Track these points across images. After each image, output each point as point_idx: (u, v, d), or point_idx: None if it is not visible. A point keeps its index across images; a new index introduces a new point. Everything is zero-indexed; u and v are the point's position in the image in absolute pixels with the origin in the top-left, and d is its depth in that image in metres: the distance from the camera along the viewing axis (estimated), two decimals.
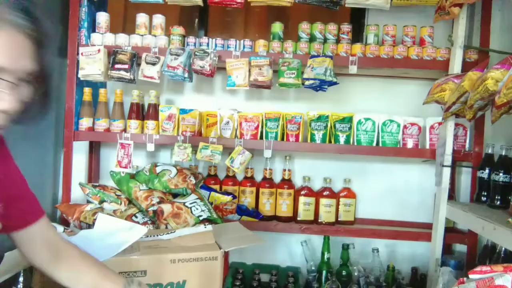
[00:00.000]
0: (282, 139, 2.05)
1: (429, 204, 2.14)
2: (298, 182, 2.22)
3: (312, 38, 2.02)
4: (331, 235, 2.04)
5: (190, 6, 1.99)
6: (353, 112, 2.04)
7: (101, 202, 1.96)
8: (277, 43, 2.00)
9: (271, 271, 2.00)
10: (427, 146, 2.03)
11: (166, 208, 1.77)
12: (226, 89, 2.09)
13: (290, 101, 2.28)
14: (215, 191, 2.05)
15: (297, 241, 2.19)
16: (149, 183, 1.96)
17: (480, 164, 1.74)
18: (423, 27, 2.00)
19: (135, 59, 1.97)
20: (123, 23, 2.46)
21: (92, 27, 2.07)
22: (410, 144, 2.02)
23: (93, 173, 2.25)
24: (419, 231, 2.04)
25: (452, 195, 2.05)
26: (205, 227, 1.44)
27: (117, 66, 1.94)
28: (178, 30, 2.02)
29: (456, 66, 1.84)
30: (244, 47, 2.02)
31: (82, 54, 1.96)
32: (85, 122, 2.04)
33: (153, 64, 1.95)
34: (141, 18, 2.05)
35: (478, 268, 1.01)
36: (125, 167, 2.01)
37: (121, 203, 1.96)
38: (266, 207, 2.11)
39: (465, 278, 1.04)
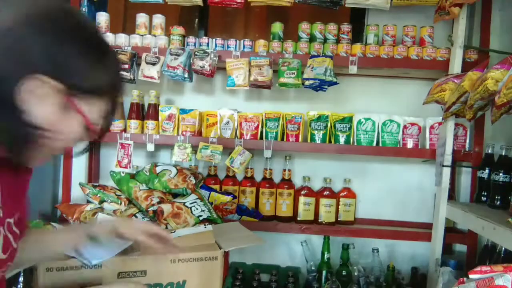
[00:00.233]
0: (282, 139, 2.05)
1: (429, 204, 2.14)
2: (298, 182, 2.22)
3: (312, 38, 2.02)
4: (331, 235, 2.04)
5: (190, 6, 1.99)
6: (353, 112, 2.04)
7: (101, 202, 1.96)
8: (277, 43, 2.00)
9: (271, 271, 2.00)
10: (427, 146, 2.03)
11: (166, 208, 1.77)
12: (226, 89, 2.09)
13: (290, 101, 2.28)
14: (215, 191, 2.05)
15: (297, 241, 2.19)
16: (149, 183, 1.96)
17: (480, 164, 1.74)
18: (423, 27, 2.00)
19: (135, 59, 1.97)
20: (123, 23, 2.46)
21: None
22: (410, 144, 2.02)
23: (93, 173, 2.25)
24: (419, 231, 2.04)
25: (452, 195, 2.05)
26: (205, 227, 1.44)
27: None
28: (178, 30, 2.02)
29: (456, 66, 1.84)
30: (244, 47, 2.02)
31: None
32: None
33: (153, 64, 1.95)
34: (141, 18, 2.05)
35: (478, 268, 1.01)
36: (125, 167, 2.01)
37: (121, 203, 1.96)
38: (266, 207, 2.11)
39: (465, 278, 1.04)
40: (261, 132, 2.05)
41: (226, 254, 1.40)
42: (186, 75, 1.94)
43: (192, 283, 1.29)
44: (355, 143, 2.03)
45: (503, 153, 1.59)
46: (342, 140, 2.01)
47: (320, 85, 1.90)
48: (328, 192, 2.12)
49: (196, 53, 1.94)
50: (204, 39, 2.03)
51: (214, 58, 1.95)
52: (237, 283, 1.90)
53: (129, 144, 2.00)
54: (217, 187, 2.13)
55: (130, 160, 2.01)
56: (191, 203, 1.83)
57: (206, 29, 2.38)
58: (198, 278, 1.30)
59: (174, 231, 1.44)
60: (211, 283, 1.32)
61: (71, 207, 1.95)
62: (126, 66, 1.94)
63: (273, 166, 2.20)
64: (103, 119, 0.82)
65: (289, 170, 2.15)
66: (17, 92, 0.67)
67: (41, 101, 0.70)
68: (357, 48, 1.97)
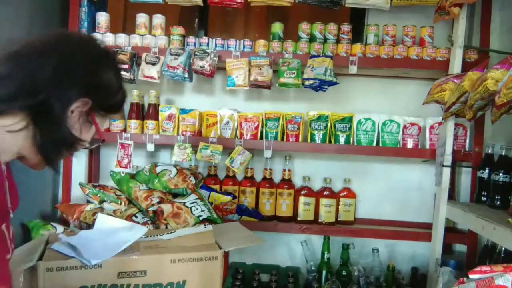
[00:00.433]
0: (282, 139, 2.05)
1: (429, 204, 2.14)
2: (298, 182, 2.22)
3: (312, 38, 2.02)
4: (331, 235, 2.04)
5: (190, 6, 1.99)
6: (353, 112, 2.04)
7: (101, 202, 1.96)
8: (277, 43, 2.00)
9: (271, 271, 2.00)
10: (427, 146, 2.03)
11: (166, 208, 1.77)
12: (226, 89, 2.09)
13: (290, 101, 2.28)
14: (215, 191, 2.05)
15: (297, 241, 2.19)
16: (149, 183, 1.96)
17: (480, 164, 1.74)
18: (423, 27, 2.00)
19: (135, 59, 1.97)
20: (123, 23, 2.46)
21: (92, 27, 2.07)
22: (410, 144, 2.02)
23: (93, 173, 2.25)
24: (419, 231, 2.04)
25: (452, 195, 2.05)
26: (205, 227, 1.44)
27: None
28: (178, 30, 2.02)
29: (456, 66, 1.84)
30: (244, 47, 2.02)
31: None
32: None
33: (153, 64, 1.95)
34: (141, 18, 2.05)
35: (478, 268, 1.01)
36: (125, 167, 2.01)
37: (121, 203, 1.96)
38: (266, 207, 2.11)
39: (465, 278, 1.04)
40: (261, 132, 2.05)
41: (226, 254, 1.40)
42: (186, 75, 1.94)
43: (192, 283, 1.29)
44: (355, 143, 2.03)
45: (503, 153, 1.59)
46: (342, 140, 2.01)
47: (320, 85, 1.90)
48: (328, 192, 2.12)
49: (196, 53, 1.94)
50: (204, 39, 2.03)
51: (214, 58, 1.95)
52: (237, 283, 1.90)
53: (129, 144, 2.00)
54: (217, 187, 2.13)
55: (130, 160, 2.01)
56: (191, 203, 1.83)
57: (206, 29, 2.38)
58: (198, 278, 1.30)
59: (174, 231, 1.44)
60: (211, 283, 1.32)
61: (71, 207, 1.96)
62: (126, 66, 1.94)
63: (273, 166, 2.20)
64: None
65: (289, 170, 2.15)
66: (69, 111, 0.84)
67: (77, 116, 0.87)
68: (357, 48, 1.97)
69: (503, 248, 1.62)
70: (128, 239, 1.27)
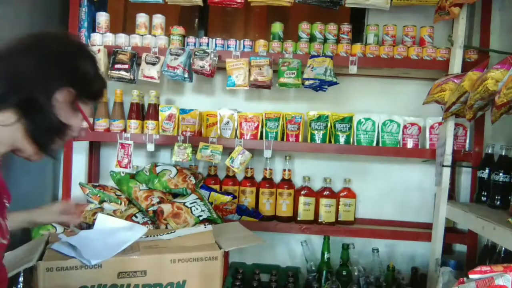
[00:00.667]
0: (282, 139, 2.05)
1: (429, 204, 2.14)
2: (298, 182, 2.22)
3: (312, 38, 2.02)
4: (331, 235, 2.04)
5: (190, 6, 1.99)
6: (353, 112, 2.04)
7: (101, 202, 1.96)
8: (277, 43, 2.00)
9: (271, 271, 2.00)
10: (427, 146, 2.03)
11: (166, 208, 1.77)
12: (226, 89, 2.09)
13: (290, 101, 2.28)
14: (215, 191, 2.05)
15: (297, 241, 2.19)
16: (149, 183, 1.96)
17: (480, 164, 1.74)
18: (423, 27, 2.00)
19: (135, 59, 1.97)
20: (123, 23, 2.46)
21: (92, 27, 2.07)
22: (410, 144, 2.02)
23: (93, 173, 2.25)
24: (419, 231, 2.04)
25: (452, 195, 2.05)
26: (205, 227, 1.44)
27: (117, 66, 1.94)
28: (178, 30, 2.02)
29: (456, 66, 1.84)
30: (244, 47, 2.02)
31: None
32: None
33: (153, 64, 1.95)
34: (141, 18, 2.05)
35: (478, 268, 1.01)
36: (125, 167, 2.01)
37: (121, 203, 1.96)
38: (266, 207, 2.11)
39: (465, 278, 1.04)
40: (261, 132, 2.05)
41: (226, 254, 1.40)
42: (186, 75, 1.94)
43: (192, 283, 1.29)
44: (355, 143, 2.03)
45: (503, 153, 1.59)
46: (342, 140, 2.01)
47: (320, 85, 1.90)
48: (328, 192, 2.12)
49: (196, 53, 1.94)
50: (204, 39, 2.03)
51: (214, 58, 1.95)
52: (237, 283, 1.90)
53: (129, 144, 2.00)
54: (217, 187, 2.13)
55: (130, 160, 2.01)
56: (191, 203, 1.83)
57: (206, 29, 2.38)
58: (198, 278, 1.29)
59: (174, 231, 1.44)
60: (211, 283, 1.31)
61: None
62: (126, 66, 1.94)
63: (273, 166, 2.20)
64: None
65: (289, 170, 2.15)
66: (54, 100, 0.92)
67: (64, 105, 0.95)
68: (357, 48, 1.97)
69: (503, 248, 1.62)
70: (128, 239, 1.27)
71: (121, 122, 2.07)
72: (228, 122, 2.07)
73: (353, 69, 1.94)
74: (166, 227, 1.73)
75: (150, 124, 2.05)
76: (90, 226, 1.80)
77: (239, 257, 2.18)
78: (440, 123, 1.97)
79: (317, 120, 2.03)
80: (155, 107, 2.08)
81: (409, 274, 2.08)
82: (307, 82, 1.90)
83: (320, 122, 2.02)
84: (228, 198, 2.00)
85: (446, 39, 1.98)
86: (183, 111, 2.06)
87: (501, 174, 1.55)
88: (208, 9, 2.36)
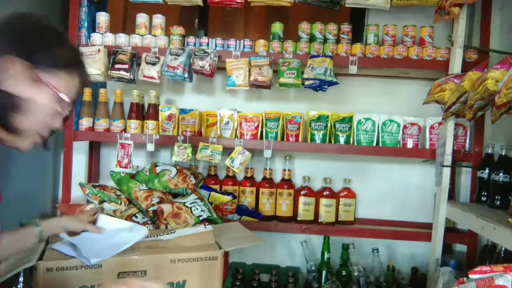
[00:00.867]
0: (282, 139, 2.05)
1: (429, 204, 2.14)
2: (298, 182, 2.22)
3: (312, 38, 2.02)
4: (331, 235, 2.04)
5: (190, 6, 1.99)
6: (353, 112, 2.04)
7: (101, 202, 1.96)
8: (277, 43, 2.00)
9: (271, 271, 2.00)
10: (427, 146, 2.03)
11: (166, 208, 1.77)
12: (226, 89, 2.09)
13: (290, 101, 2.28)
14: (215, 191, 2.05)
15: (297, 241, 2.19)
16: (149, 183, 1.96)
17: (480, 164, 1.74)
18: (423, 27, 2.00)
19: (135, 59, 1.97)
20: (123, 23, 2.46)
21: (92, 27, 2.07)
22: (410, 144, 2.02)
23: (93, 173, 2.25)
24: (419, 231, 2.04)
25: (452, 195, 2.05)
26: (205, 227, 1.44)
27: (117, 66, 1.94)
28: (178, 30, 2.02)
29: (456, 66, 1.84)
30: (244, 47, 2.02)
31: (82, 54, 1.96)
32: (85, 122, 2.04)
33: (153, 64, 1.95)
34: (141, 18, 2.05)
35: (478, 268, 1.01)
36: (125, 167, 2.01)
37: (121, 203, 1.96)
38: (266, 207, 2.11)
39: (465, 278, 1.04)
40: (261, 132, 2.05)
41: (226, 254, 1.40)
42: (186, 75, 1.94)
43: (192, 283, 1.29)
44: (355, 143, 2.03)
45: (503, 153, 1.59)
46: (342, 140, 2.01)
47: (320, 85, 1.90)
48: (328, 192, 2.12)
49: (196, 53, 1.94)
50: (204, 39, 2.02)
51: (214, 58, 1.95)
52: (237, 283, 1.90)
53: (129, 144, 2.00)
54: (217, 187, 2.13)
55: (130, 160, 2.01)
56: (191, 203, 1.83)
57: (206, 29, 2.39)
58: (198, 278, 1.30)
59: (174, 231, 1.44)
60: (211, 283, 1.32)
61: (71, 207, 1.95)
62: (126, 66, 1.94)
63: (273, 166, 2.20)
64: (74, 93, 0.98)
65: (289, 170, 2.15)
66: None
67: (14, 76, 0.87)
68: (357, 48, 1.97)
69: (503, 248, 1.62)
70: (129, 241, 1.27)
71: (121, 122, 2.07)
72: (228, 122, 2.07)
73: (353, 69, 1.94)
74: (166, 227, 1.73)
75: (150, 124, 2.05)
76: None
77: (239, 257, 2.18)
78: (440, 123, 1.97)
79: (317, 120, 2.03)
80: (155, 107, 2.08)
81: (409, 274, 2.09)
82: (307, 82, 1.90)
83: (320, 122, 2.02)
84: (228, 198, 2.00)
85: (446, 39, 1.98)
86: (183, 111, 2.07)
87: (501, 174, 1.55)
88: (208, 9, 2.36)
